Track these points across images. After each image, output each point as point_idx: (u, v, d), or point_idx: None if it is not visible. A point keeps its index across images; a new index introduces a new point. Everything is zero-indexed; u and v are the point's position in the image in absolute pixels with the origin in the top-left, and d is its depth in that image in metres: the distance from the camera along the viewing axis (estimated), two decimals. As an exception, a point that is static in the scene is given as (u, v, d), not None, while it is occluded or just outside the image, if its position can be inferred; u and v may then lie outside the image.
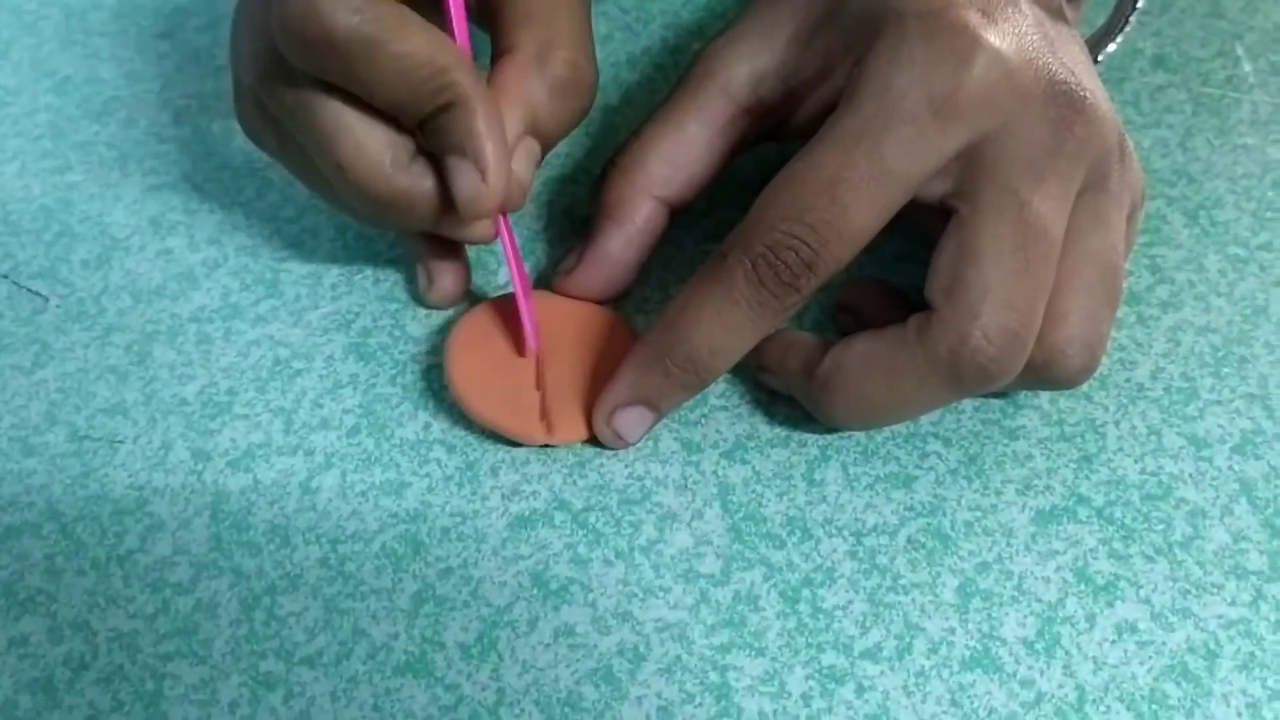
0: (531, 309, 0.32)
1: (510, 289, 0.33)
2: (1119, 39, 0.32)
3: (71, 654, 0.28)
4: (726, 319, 0.28)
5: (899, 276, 0.34)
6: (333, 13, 0.26)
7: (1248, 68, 0.41)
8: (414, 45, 0.27)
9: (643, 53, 0.43)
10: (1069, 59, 0.28)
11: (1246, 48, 0.42)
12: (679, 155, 0.32)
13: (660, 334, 0.29)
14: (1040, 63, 0.27)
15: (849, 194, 0.27)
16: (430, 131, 0.28)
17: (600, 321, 0.33)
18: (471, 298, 0.35)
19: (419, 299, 0.34)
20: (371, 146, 0.28)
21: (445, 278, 0.34)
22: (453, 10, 0.29)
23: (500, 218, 0.31)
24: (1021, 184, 0.27)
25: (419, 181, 0.29)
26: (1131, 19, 0.32)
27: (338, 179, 0.29)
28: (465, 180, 0.28)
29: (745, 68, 0.32)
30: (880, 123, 0.27)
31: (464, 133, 0.28)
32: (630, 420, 0.30)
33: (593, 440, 0.31)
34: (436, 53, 0.27)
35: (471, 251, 0.36)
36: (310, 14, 0.26)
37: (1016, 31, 0.27)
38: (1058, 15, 0.30)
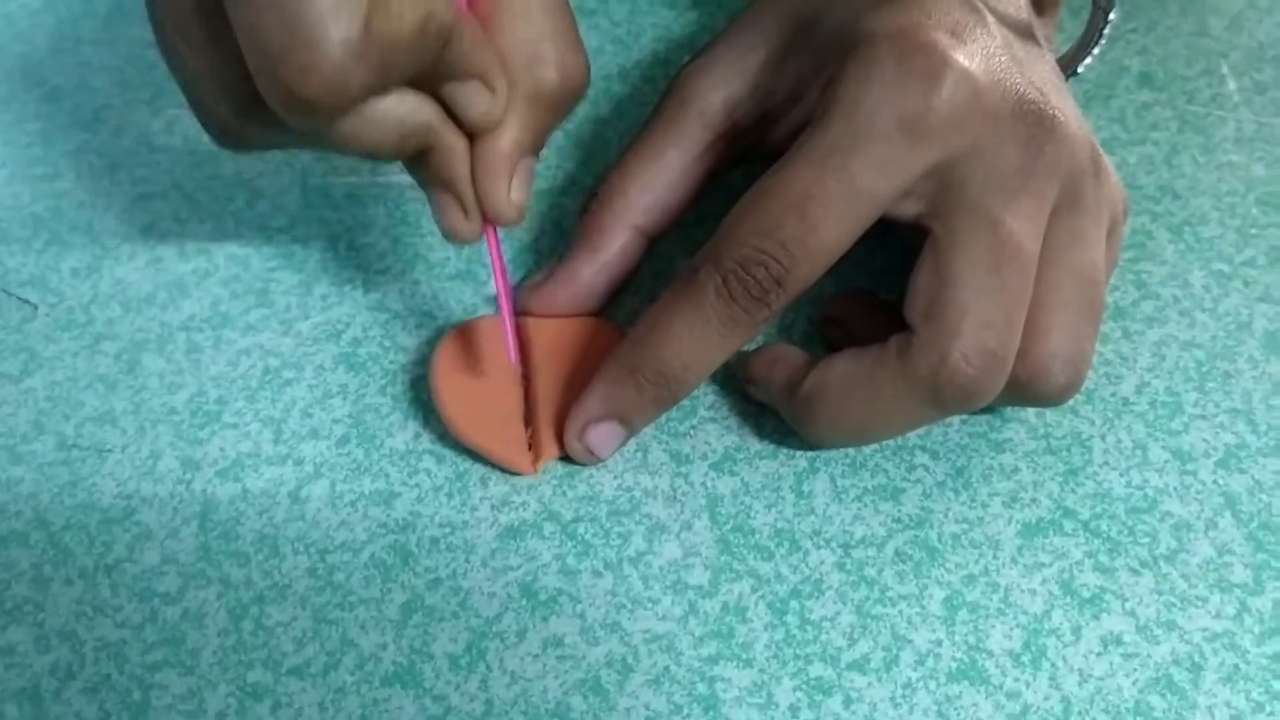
0: (513, 319, 0.32)
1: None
2: (1094, 53, 0.32)
3: (58, 663, 0.28)
4: (697, 333, 0.28)
5: (886, 289, 0.34)
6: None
7: (1232, 86, 0.42)
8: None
9: (634, 65, 0.43)
10: (1038, 78, 0.28)
11: (1231, 66, 0.42)
12: (659, 183, 0.32)
13: (631, 348, 0.29)
14: (1009, 83, 0.28)
15: (818, 211, 0.27)
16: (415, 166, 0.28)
17: (595, 334, 0.33)
18: (460, 310, 0.35)
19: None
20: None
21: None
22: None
23: (489, 229, 0.31)
24: (994, 203, 0.27)
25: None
26: (1105, 33, 0.32)
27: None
28: (448, 215, 0.29)
29: (720, 94, 0.32)
30: (850, 141, 0.27)
31: (449, 173, 0.28)
32: (602, 436, 0.30)
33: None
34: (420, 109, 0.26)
35: (461, 263, 0.36)
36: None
37: (985, 52, 0.28)
38: (1027, 35, 0.30)
